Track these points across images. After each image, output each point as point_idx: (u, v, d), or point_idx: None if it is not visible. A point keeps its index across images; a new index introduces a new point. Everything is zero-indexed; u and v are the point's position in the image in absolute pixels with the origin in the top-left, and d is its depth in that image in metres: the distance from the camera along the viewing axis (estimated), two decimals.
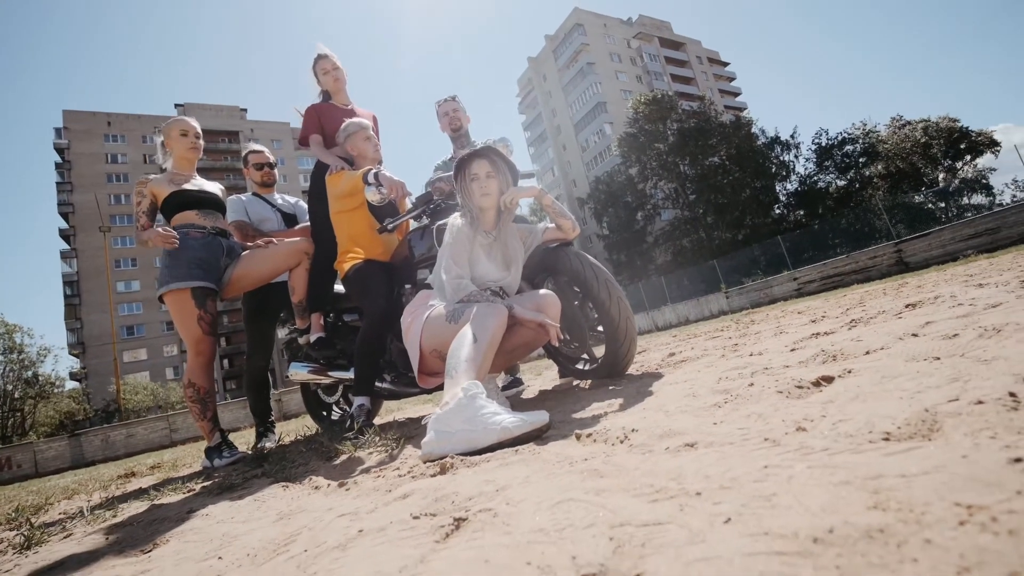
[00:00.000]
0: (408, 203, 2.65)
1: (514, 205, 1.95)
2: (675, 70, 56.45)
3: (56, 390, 35.41)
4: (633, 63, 54.25)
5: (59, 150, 47.54)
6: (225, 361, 47.33)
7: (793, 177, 35.18)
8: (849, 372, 1.08)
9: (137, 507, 1.57)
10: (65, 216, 46.85)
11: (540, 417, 1.14)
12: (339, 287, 3.00)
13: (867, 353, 1.30)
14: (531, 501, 0.67)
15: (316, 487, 1.22)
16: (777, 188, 35.32)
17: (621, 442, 0.94)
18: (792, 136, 34.72)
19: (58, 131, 48.22)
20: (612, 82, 51.18)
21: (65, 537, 1.33)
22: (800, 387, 1.04)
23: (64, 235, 47.01)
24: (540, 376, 4.11)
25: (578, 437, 1.07)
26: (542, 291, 1.83)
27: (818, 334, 2.00)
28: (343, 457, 1.58)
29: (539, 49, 59.07)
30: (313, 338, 2.92)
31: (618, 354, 2.01)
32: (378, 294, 2.36)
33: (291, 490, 1.26)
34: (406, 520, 0.73)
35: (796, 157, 34.97)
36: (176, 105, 49.57)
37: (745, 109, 55.68)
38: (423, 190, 2.63)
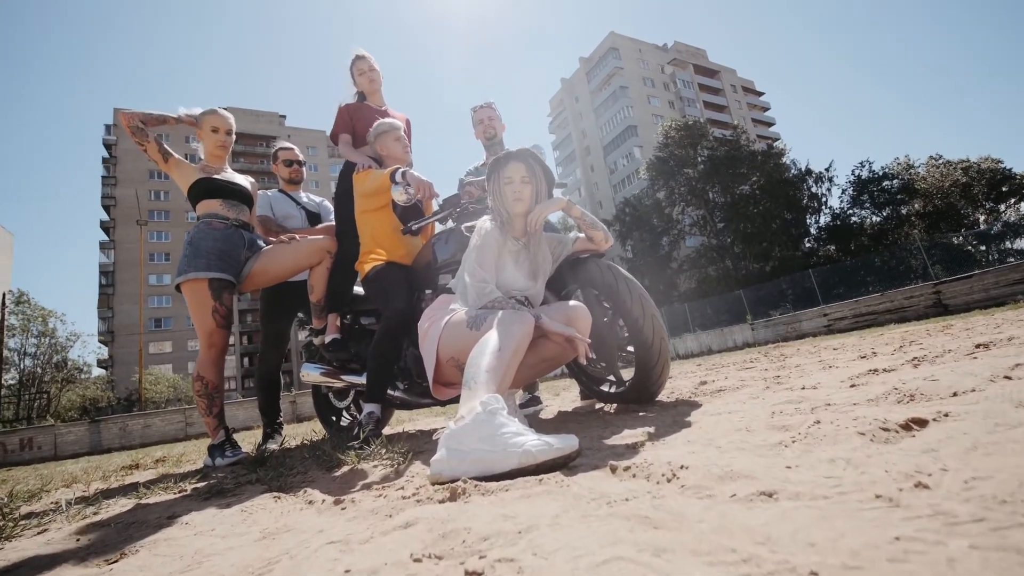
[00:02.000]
0: (435, 205, 2.55)
1: (540, 225, 1.82)
2: (708, 97, 56.33)
3: (83, 376, 36.40)
4: (666, 88, 54.33)
5: (107, 146, 49.78)
6: (245, 359, 48.08)
7: (825, 211, 34.33)
8: (945, 415, 0.90)
9: (123, 505, 1.46)
10: (107, 209, 48.77)
11: (568, 442, 0.98)
12: (359, 288, 2.91)
13: (955, 395, 1.11)
14: (566, 553, 0.52)
15: (310, 501, 1.08)
16: (808, 221, 34.50)
17: (669, 480, 0.78)
18: (827, 170, 33.93)
19: (108, 127, 50.56)
20: (644, 106, 51.27)
21: (39, 532, 1.21)
22: (886, 429, 0.86)
23: (104, 227, 48.89)
24: (559, 396, 3.93)
25: (613, 470, 0.91)
26: (571, 302, 1.68)
27: (876, 370, 1.80)
28: (345, 468, 1.44)
29: (573, 71, 59.69)
30: (328, 339, 2.82)
31: (649, 377, 1.84)
32: (397, 297, 2.25)
33: (283, 502, 1.12)
34: (404, 562, 0.58)
35: (829, 190, 34.15)
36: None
37: (778, 139, 55.04)
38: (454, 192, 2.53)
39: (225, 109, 2.71)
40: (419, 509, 0.85)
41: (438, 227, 2.67)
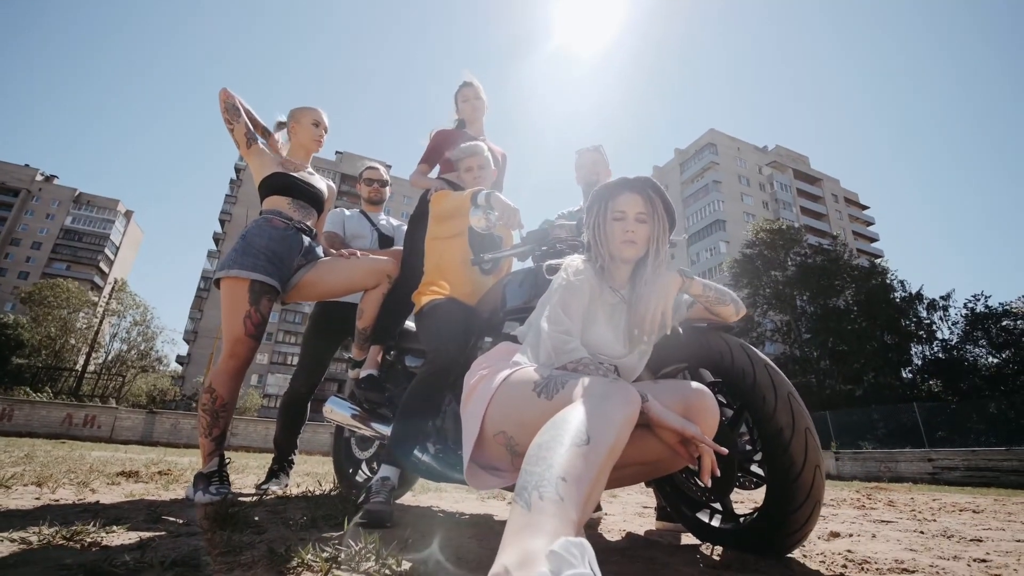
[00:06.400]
0: (517, 238, 2.17)
1: (668, 326, 1.29)
2: (806, 203, 54.40)
3: (162, 367, 39.08)
4: (762, 188, 53.23)
5: (237, 169, 56.38)
6: None
7: (936, 343, 30.52)
8: None
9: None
10: (222, 223, 54.48)
11: None
12: (410, 323, 2.53)
13: None
14: None
15: None
16: (912, 350, 30.81)
17: None
18: (944, 298, 30.49)
19: None
20: (736, 203, 50.31)
21: None
22: None
23: (215, 238, 54.44)
24: (616, 498, 3.22)
25: None
26: (693, 384, 1.15)
27: None
28: None
29: (666, 160, 60.43)
30: (363, 374, 2.44)
31: (788, 522, 1.22)
32: (450, 339, 1.83)
33: None
34: None
35: (942, 320, 30.52)
36: (336, 152, 57.21)
37: (881, 257, 51.34)
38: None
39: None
40: None
41: (516, 264, 2.27)
